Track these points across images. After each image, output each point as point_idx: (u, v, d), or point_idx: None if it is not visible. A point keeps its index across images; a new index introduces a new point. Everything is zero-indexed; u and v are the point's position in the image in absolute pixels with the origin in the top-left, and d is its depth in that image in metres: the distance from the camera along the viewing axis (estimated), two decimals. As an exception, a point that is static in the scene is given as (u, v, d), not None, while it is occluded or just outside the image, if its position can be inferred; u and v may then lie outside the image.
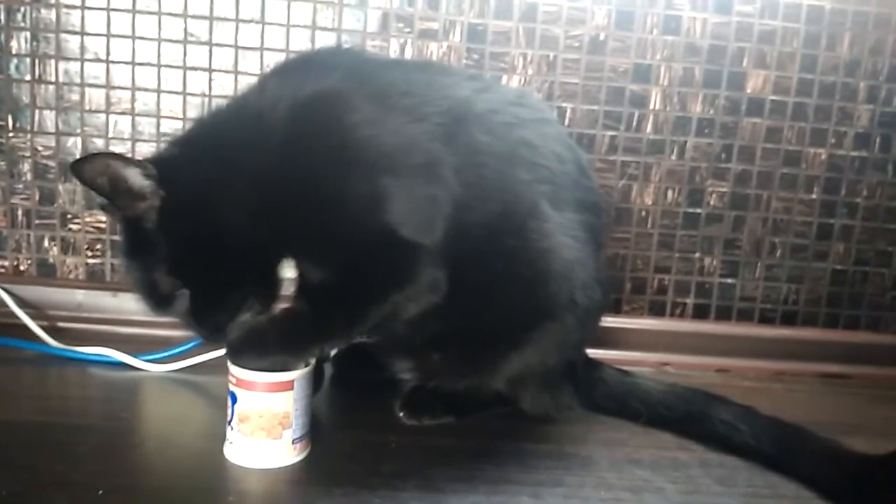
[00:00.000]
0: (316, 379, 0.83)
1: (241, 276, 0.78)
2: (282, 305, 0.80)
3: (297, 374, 0.76)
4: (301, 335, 0.79)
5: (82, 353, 1.00)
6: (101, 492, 0.68)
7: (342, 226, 0.78)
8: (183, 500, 0.70)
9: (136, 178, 0.75)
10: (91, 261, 1.16)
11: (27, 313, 1.07)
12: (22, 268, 1.16)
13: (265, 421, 0.75)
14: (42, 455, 0.75)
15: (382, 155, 0.78)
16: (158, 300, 0.78)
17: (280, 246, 0.81)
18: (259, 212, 0.77)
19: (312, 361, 0.79)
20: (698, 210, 1.21)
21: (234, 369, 0.76)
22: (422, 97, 0.83)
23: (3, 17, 1.09)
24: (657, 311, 1.23)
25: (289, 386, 0.76)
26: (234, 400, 0.76)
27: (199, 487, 0.73)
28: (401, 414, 0.90)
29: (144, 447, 0.80)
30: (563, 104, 1.15)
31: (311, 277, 0.81)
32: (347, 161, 0.77)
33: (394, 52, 1.13)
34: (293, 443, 0.77)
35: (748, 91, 1.18)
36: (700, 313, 1.24)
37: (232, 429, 0.76)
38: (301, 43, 1.12)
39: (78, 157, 0.75)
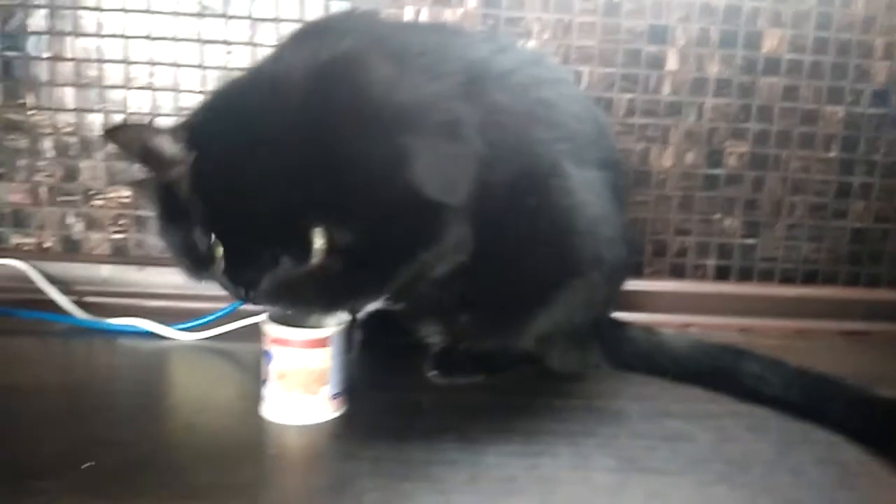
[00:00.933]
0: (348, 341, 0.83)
1: (272, 235, 0.79)
2: (314, 264, 0.80)
3: (333, 331, 0.77)
4: (333, 290, 0.80)
5: (112, 325, 1.01)
6: (146, 449, 0.70)
7: (366, 187, 0.78)
8: (225, 454, 0.71)
9: (166, 144, 0.76)
10: (115, 236, 1.17)
11: (54, 289, 1.07)
12: (46, 245, 1.17)
13: (302, 377, 0.76)
14: (82, 418, 0.77)
15: (402, 113, 0.78)
16: (197, 261, 0.79)
17: (308, 208, 0.81)
18: (282, 175, 0.78)
19: (346, 319, 0.80)
20: (718, 171, 1.21)
21: (268, 328, 0.77)
22: (438, 56, 0.83)
23: (20, -5, 1.10)
24: (678, 273, 1.24)
25: (325, 342, 0.76)
26: (270, 358, 0.77)
27: (242, 443, 0.74)
28: (431, 373, 0.91)
29: (183, 409, 0.81)
30: (580, 68, 1.15)
31: (340, 238, 0.81)
32: (367, 121, 0.78)
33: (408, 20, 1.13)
34: (330, 399, 0.78)
35: (764, 50, 1.18)
36: (721, 274, 1.24)
37: (268, 387, 0.77)
38: (316, 13, 1.12)
39: (109, 127, 0.76)
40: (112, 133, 0.77)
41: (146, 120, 1.12)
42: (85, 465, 0.65)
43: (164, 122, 1.11)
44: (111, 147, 0.79)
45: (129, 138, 0.77)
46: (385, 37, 0.85)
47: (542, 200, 0.84)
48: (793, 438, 0.81)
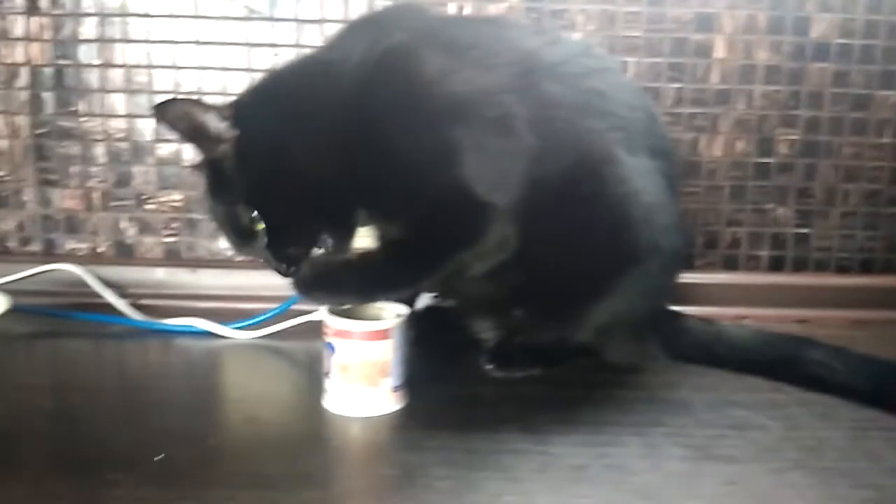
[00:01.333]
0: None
1: (314, 214, 0.81)
2: (356, 247, 0.82)
3: (394, 323, 0.77)
4: (370, 281, 0.81)
5: (169, 325, 1.02)
6: (212, 441, 0.70)
7: (412, 178, 0.78)
8: (290, 446, 0.71)
9: (213, 121, 0.79)
10: (168, 239, 1.18)
11: (109, 292, 1.09)
12: (100, 250, 1.18)
13: (365, 369, 0.76)
14: (148, 413, 0.77)
15: (454, 106, 0.78)
16: (240, 234, 0.82)
17: (351, 192, 0.82)
18: (328, 157, 0.79)
19: (406, 312, 0.80)
20: (769, 160, 1.19)
21: (330, 320, 0.77)
22: (490, 49, 0.83)
23: (72, 4, 1.12)
24: (731, 264, 1.22)
25: (387, 334, 0.76)
26: (332, 350, 0.76)
27: (307, 435, 0.74)
28: (488, 367, 0.90)
29: (245, 403, 0.81)
30: (626, 58, 1.14)
31: (381, 228, 0.83)
32: (417, 112, 0.78)
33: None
34: (393, 391, 0.77)
35: (814, 35, 1.16)
36: (775, 265, 1.22)
37: (330, 379, 0.77)
38: (360, 12, 1.12)
39: (159, 102, 0.78)
40: (161, 109, 0.79)
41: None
42: (157, 458, 0.65)
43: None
44: (161, 126, 0.81)
45: (178, 114, 0.79)
46: (437, 30, 0.85)
47: (596, 189, 0.83)
48: (865, 425, 0.79)
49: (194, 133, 0.80)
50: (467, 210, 0.79)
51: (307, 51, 0.89)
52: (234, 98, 0.84)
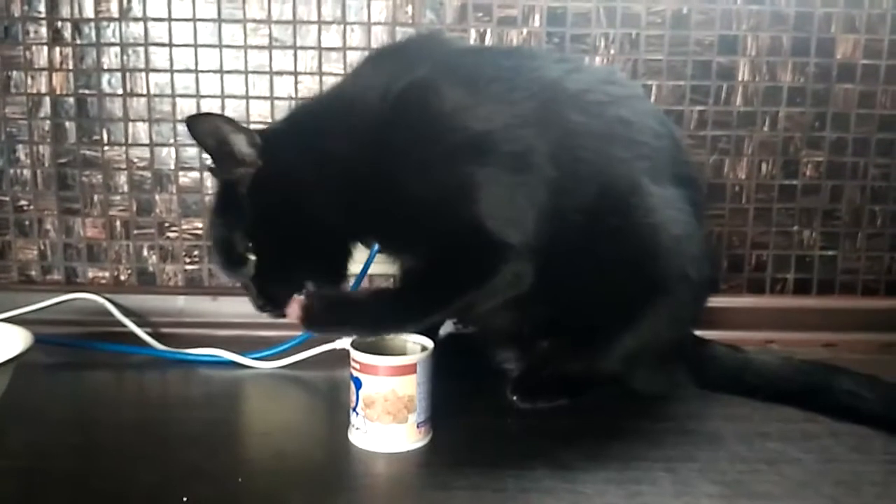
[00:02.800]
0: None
1: (310, 257, 0.83)
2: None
3: (420, 358, 0.76)
4: (377, 315, 0.81)
5: (191, 355, 1.01)
6: (240, 479, 0.69)
7: (427, 215, 0.78)
8: (321, 483, 0.70)
9: (241, 144, 0.80)
10: (189, 267, 1.18)
11: (131, 321, 1.09)
12: (122, 278, 1.19)
13: (391, 405, 0.75)
14: (173, 449, 0.77)
15: (472, 144, 0.78)
16: (231, 259, 0.83)
17: (357, 234, 0.85)
18: (343, 197, 0.80)
19: (432, 346, 0.79)
20: (794, 182, 1.18)
21: (357, 355, 0.76)
22: (511, 82, 0.82)
23: (94, 35, 1.13)
24: (757, 288, 1.20)
25: (412, 369, 0.75)
26: (359, 385, 0.76)
27: (332, 471, 0.73)
28: (514, 398, 0.89)
29: (271, 436, 0.80)
30: (649, 81, 1.14)
31: (395, 259, 0.86)
32: (435, 149, 0.78)
33: (474, 42, 1.13)
34: (418, 426, 0.77)
35: (838, 57, 1.15)
36: (802, 288, 1.20)
37: (357, 414, 0.76)
38: (382, 41, 1.13)
39: (193, 115, 0.80)
40: (194, 121, 0.79)
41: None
42: (185, 500, 0.65)
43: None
44: (191, 137, 0.81)
45: (210, 129, 0.79)
46: (458, 62, 0.85)
47: (624, 221, 0.82)
48: (901, 459, 0.77)
49: (220, 150, 0.80)
50: (480, 249, 0.79)
51: (333, 81, 0.89)
52: (265, 127, 0.85)
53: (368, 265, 0.97)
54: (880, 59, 1.15)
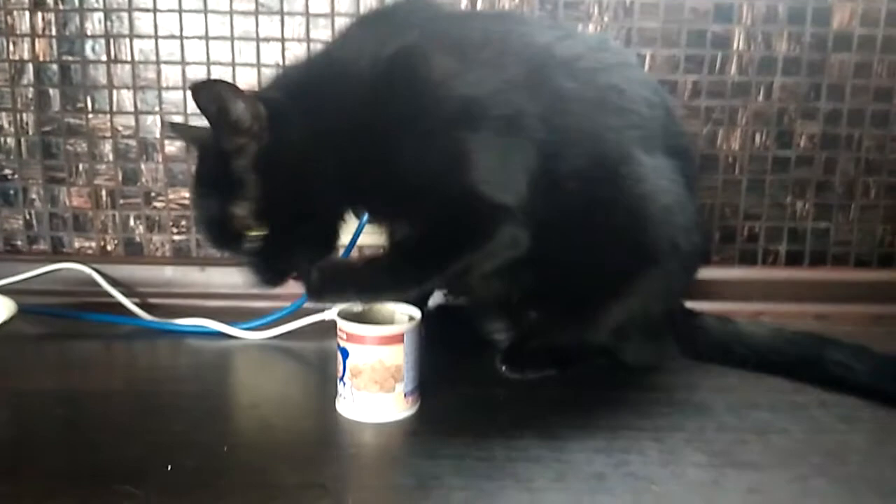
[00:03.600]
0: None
1: (313, 230, 0.80)
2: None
3: (407, 327, 0.76)
4: (377, 281, 0.80)
5: (179, 325, 1.01)
6: (225, 449, 0.69)
7: (422, 182, 0.77)
8: (307, 453, 0.70)
9: (242, 112, 0.75)
10: (177, 237, 1.17)
11: (118, 291, 1.08)
12: (109, 248, 1.17)
13: (378, 374, 0.74)
14: (158, 420, 0.76)
15: (463, 109, 0.77)
16: (227, 237, 0.79)
17: (353, 203, 0.83)
18: (342, 168, 0.78)
19: (419, 315, 0.78)
20: (788, 153, 1.16)
21: (343, 325, 0.75)
22: (501, 48, 0.81)
23: (76, 0, 1.10)
24: (748, 259, 1.20)
25: (400, 339, 0.75)
26: (346, 355, 0.75)
27: (320, 441, 0.73)
28: (503, 368, 0.89)
29: (259, 408, 0.80)
30: (643, 50, 1.12)
31: (389, 228, 0.84)
32: (426, 117, 0.76)
33: (465, 8, 1.11)
34: (405, 396, 0.76)
35: (834, 26, 1.13)
36: (793, 260, 1.20)
37: (344, 384, 0.76)
38: (370, 6, 1.10)
39: (197, 81, 0.73)
40: (198, 88, 0.73)
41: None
42: (168, 469, 0.64)
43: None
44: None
45: (213, 96, 0.74)
46: (448, 28, 0.84)
47: (614, 189, 0.81)
48: (890, 428, 0.78)
49: (220, 118, 0.75)
50: (476, 212, 0.78)
51: (325, 46, 0.87)
52: (264, 93, 0.81)
53: (357, 236, 0.96)
54: (877, 29, 1.14)
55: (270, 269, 0.81)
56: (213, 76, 1.12)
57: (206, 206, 0.79)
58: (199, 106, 0.74)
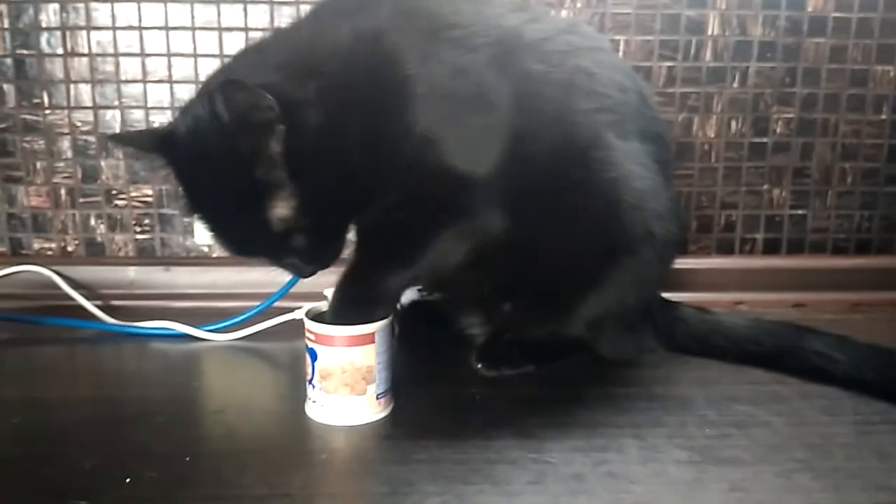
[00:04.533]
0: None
1: (354, 209, 0.76)
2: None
3: (378, 327, 0.73)
4: (369, 290, 0.77)
5: (142, 328, 0.97)
6: (188, 459, 0.65)
7: (394, 162, 0.74)
8: (274, 461, 0.67)
9: (265, 108, 0.66)
10: (140, 236, 1.13)
11: (80, 293, 1.04)
12: (69, 248, 1.13)
13: (348, 376, 0.71)
14: (119, 429, 0.73)
15: (436, 90, 0.74)
16: (272, 244, 0.73)
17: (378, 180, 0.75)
18: (363, 144, 0.72)
19: (390, 313, 0.76)
20: (764, 139, 1.15)
21: (312, 325, 0.72)
22: (470, 28, 0.78)
23: (30, -10, 1.06)
24: (726, 248, 1.18)
25: (370, 339, 0.72)
26: (315, 357, 0.72)
27: (288, 448, 0.70)
28: (478, 366, 0.86)
29: (224, 413, 0.77)
30: (616, 36, 1.10)
31: (367, 219, 0.78)
32: (399, 99, 0.73)
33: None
34: (377, 398, 0.73)
35: (809, 9, 1.12)
36: (771, 248, 1.19)
37: (314, 387, 0.73)
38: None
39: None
40: (223, 91, 0.65)
41: (162, 117, 1.08)
42: (128, 481, 0.61)
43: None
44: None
45: (235, 99, 0.65)
46: (417, 8, 0.80)
47: (584, 173, 0.79)
48: (872, 419, 0.76)
49: (245, 121, 0.66)
50: (449, 185, 0.75)
51: (293, 21, 0.83)
52: (258, 80, 0.69)
53: (286, 290, 0.95)
54: (851, 13, 1.12)
55: (321, 259, 0.77)
56: (174, 68, 1.08)
57: (227, 218, 0.72)
58: (222, 111, 0.66)
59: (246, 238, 0.73)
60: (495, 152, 0.76)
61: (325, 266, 0.77)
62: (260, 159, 0.68)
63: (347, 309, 0.76)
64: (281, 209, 0.70)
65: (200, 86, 0.78)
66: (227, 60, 0.78)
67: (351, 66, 0.73)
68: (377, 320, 0.73)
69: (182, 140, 0.71)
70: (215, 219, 0.73)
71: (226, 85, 0.65)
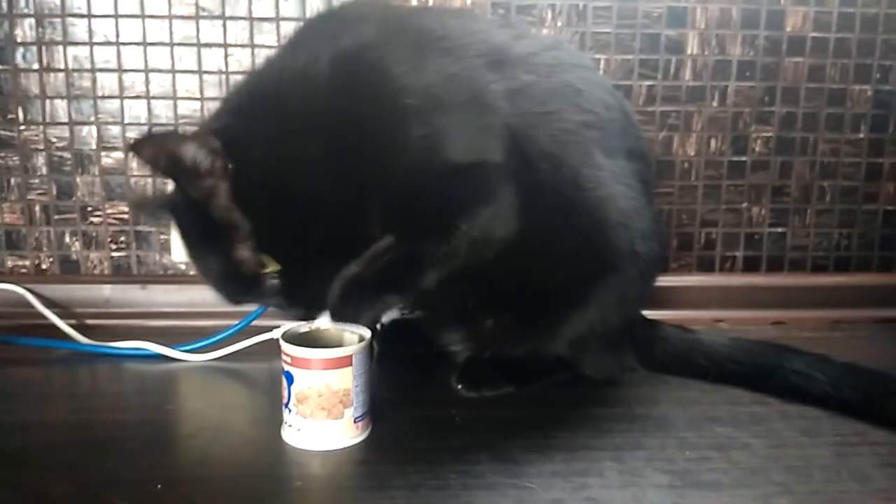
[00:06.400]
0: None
1: (331, 243, 0.73)
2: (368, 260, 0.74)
3: (356, 349, 0.72)
4: (397, 279, 0.74)
5: (117, 349, 0.95)
6: (159, 486, 0.64)
7: (407, 173, 0.73)
8: (247, 488, 0.65)
9: (198, 154, 0.68)
10: (116, 254, 1.11)
11: (54, 312, 1.02)
12: (44, 266, 1.11)
13: (325, 400, 0.70)
14: (89, 454, 0.71)
15: (430, 96, 0.73)
16: (244, 284, 0.72)
17: (362, 201, 0.74)
18: (333, 175, 0.72)
19: (369, 336, 0.75)
20: (743, 158, 1.15)
21: (288, 348, 0.71)
22: (459, 41, 0.78)
23: (5, 5, 1.04)
24: (706, 266, 1.18)
25: (347, 361, 0.71)
26: (291, 380, 0.71)
27: (263, 474, 0.68)
28: (458, 386, 0.86)
29: (198, 438, 0.75)
30: (597, 55, 1.10)
31: (387, 229, 0.75)
32: (397, 110, 0.72)
33: (415, 13, 1.08)
34: (355, 421, 0.72)
35: (788, 29, 1.12)
36: (751, 266, 1.19)
37: (290, 411, 0.72)
38: (316, 10, 1.06)
39: (135, 139, 0.66)
40: (138, 146, 0.68)
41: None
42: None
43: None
44: (134, 160, 0.70)
45: (157, 150, 0.68)
46: (404, 23, 0.80)
47: (573, 191, 0.79)
48: (851, 440, 0.76)
49: (176, 170, 0.69)
50: (465, 176, 0.73)
51: (266, 54, 0.83)
52: (211, 124, 0.74)
53: (254, 317, 0.95)
54: (829, 32, 1.13)
55: (304, 299, 0.75)
56: (152, 84, 1.07)
57: (209, 265, 0.73)
58: (147, 164, 0.68)
59: (227, 283, 0.73)
60: (500, 146, 0.75)
61: (315, 308, 0.75)
62: (213, 198, 0.70)
63: (353, 307, 0.73)
64: (242, 250, 0.70)
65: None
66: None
67: (323, 89, 0.72)
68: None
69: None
70: (202, 266, 0.74)
71: (142, 140, 0.69)
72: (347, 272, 0.72)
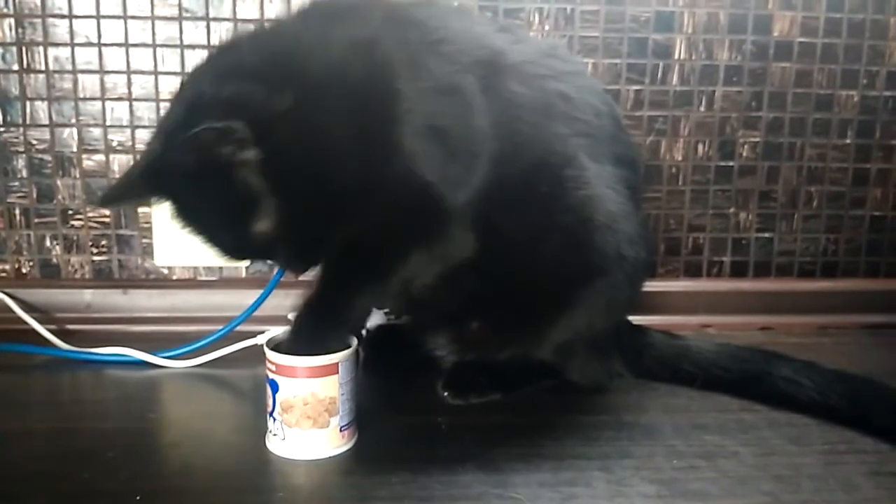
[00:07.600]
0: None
1: (333, 220, 0.74)
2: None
3: (341, 357, 0.71)
4: (335, 310, 0.76)
5: (98, 355, 0.94)
6: (138, 498, 0.63)
7: (375, 178, 0.72)
8: (230, 499, 0.64)
9: (233, 152, 0.67)
10: (97, 258, 1.09)
11: (34, 317, 1.00)
12: (24, 270, 1.09)
13: (310, 409, 0.69)
14: (66, 464, 0.70)
15: (420, 107, 0.73)
16: (255, 251, 0.76)
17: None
18: (342, 154, 0.72)
19: (355, 343, 0.74)
20: (731, 163, 1.15)
21: (272, 355, 0.70)
22: (459, 45, 0.78)
23: (-16, 4, 1.02)
24: (693, 271, 1.18)
25: (333, 369, 0.70)
26: (275, 388, 0.70)
27: (246, 485, 0.67)
28: (444, 394, 0.85)
29: (180, 447, 0.74)
30: (584, 59, 1.09)
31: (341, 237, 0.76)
32: (385, 113, 0.72)
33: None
34: (341, 430, 0.71)
35: (775, 34, 1.12)
36: (738, 271, 1.19)
37: (274, 420, 0.71)
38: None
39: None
40: (185, 147, 0.66)
41: (121, 135, 1.05)
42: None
43: (144, 134, 1.04)
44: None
45: (195, 146, 0.66)
46: (409, 19, 0.79)
47: (556, 189, 0.79)
48: (839, 448, 0.76)
49: (213, 157, 0.67)
50: (426, 205, 0.74)
51: (267, 29, 0.82)
52: (240, 117, 0.68)
53: (272, 287, 0.93)
54: (817, 38, 1.13)
55: (296, 264, 0.79)
56: (134, 85, 1.05)
57: (226, 235, 0.73)
58: (189, 158, 0.67)
59: (231, 246, 0.74)
60: (476, 176, 0.75)
61: (305, 269, 0.79)
62: (235, 182, 0.68)
63: (307, 335, 0.74)
64: (262, 224, 0.70)
65: (180, 86, 0.76)
66: (204, 60, 0.76)
67: (341, 73, 0.72)
68: (338, 345, 0.72)
69: (166, 170, 0.70)
70: (202, 231, 0.73)
71: (185, 141, 0.65)
72: (305, 305, 0.75)
